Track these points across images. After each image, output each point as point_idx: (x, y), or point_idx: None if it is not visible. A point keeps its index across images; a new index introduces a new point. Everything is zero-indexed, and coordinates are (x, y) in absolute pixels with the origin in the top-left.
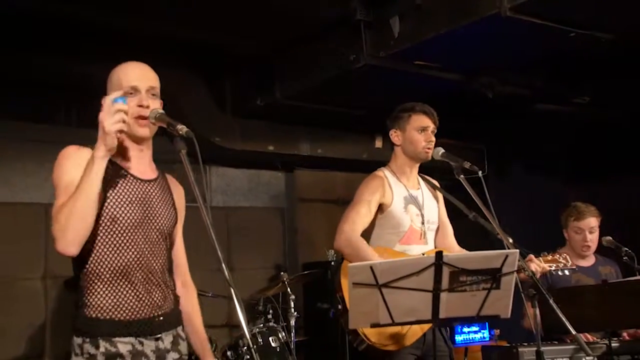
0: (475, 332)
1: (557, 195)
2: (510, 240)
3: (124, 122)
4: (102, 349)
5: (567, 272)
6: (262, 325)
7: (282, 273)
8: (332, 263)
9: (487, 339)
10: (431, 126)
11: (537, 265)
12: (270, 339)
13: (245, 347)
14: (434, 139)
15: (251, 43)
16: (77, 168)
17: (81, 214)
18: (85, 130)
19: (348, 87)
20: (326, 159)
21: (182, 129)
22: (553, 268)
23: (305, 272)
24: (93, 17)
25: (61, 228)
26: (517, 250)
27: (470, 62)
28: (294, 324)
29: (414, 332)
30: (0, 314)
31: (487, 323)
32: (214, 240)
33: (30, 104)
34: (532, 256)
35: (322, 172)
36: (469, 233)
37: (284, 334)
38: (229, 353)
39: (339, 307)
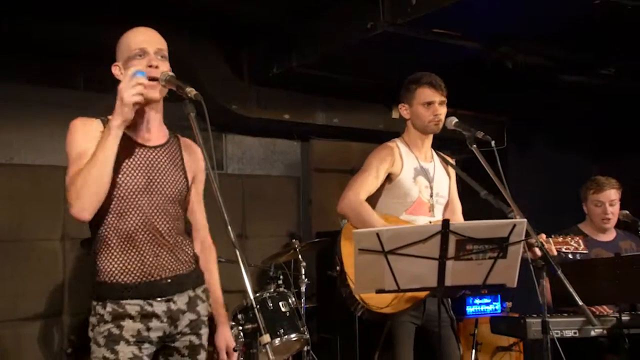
0: (487, 304)
1: (580, 170)
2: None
3: (141, 94)
4: (109, 309)
5: (578, 257)
6: (272, 290)
7: (293, 240)
8: None
9: (499, 311)
10: (437, 99)
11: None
12: (280, 303)
13: (271, 308)
14: (441, 111)
15: (268, 10)
16: (87, 139)
17: (96, 181)
18: (102, 95)
19: (365, 55)
20: (342, 129)
21: (191, 91)
22: (563, 250)
23: (316, 240)
24: None
25: (76, 193)
26: (525, 220)
27: (490, 30)
28: (304, 290)
29: (412, 296)
30: (21, 274)
31: (499, 295)
32: (220, 204)
33: (52, 69)
34: (543, 235)
35: (338, 142)
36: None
37: (294, 299)
38: (239, 316)
39: (337, 268)
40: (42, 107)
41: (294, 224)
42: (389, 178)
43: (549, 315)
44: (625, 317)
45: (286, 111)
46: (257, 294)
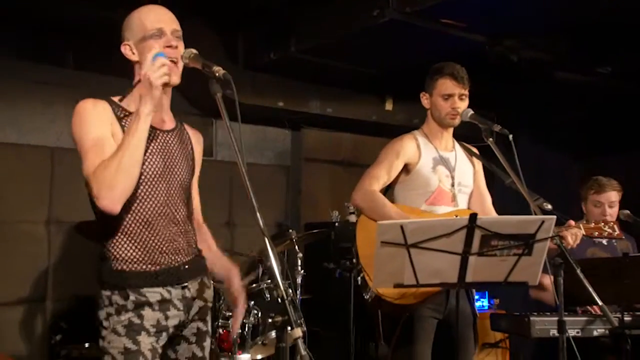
0: (475, 300)
1: (563, 168)
2: (549, 207)
3: (168, 75)
4: (132, 298)
5: (614, 242)
6: (269, 281)
7: (290, 231)
8: (336, 224)
9: (486, 308)
10: (457, 92)
11: (571, 233)
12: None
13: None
14: (460, 104)
15: None
16: (100, 123)
17: (128, 172)
18: (91, 74)
19: (367, 44)
20: (334, 119)
21: (218, 70)
22: (595, 235)
23: (314, 230)
24: None
25: (108, 186)
26: (554, 217)
27: (496, 23)
28: (300, 281)
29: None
30: (3, 256)
31: (487, 292)
32: (251, 194)
33: (36, 46)
34: (571, 222)
35: (330, 132)
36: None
37: (290, 291)
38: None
39: (354, 260)
40: (28, 85)
41: (282, 214)
42: (405, 169)
43: (548, 313)
44: (627, 318)
45: (280, 98)
46: (254, 285)
